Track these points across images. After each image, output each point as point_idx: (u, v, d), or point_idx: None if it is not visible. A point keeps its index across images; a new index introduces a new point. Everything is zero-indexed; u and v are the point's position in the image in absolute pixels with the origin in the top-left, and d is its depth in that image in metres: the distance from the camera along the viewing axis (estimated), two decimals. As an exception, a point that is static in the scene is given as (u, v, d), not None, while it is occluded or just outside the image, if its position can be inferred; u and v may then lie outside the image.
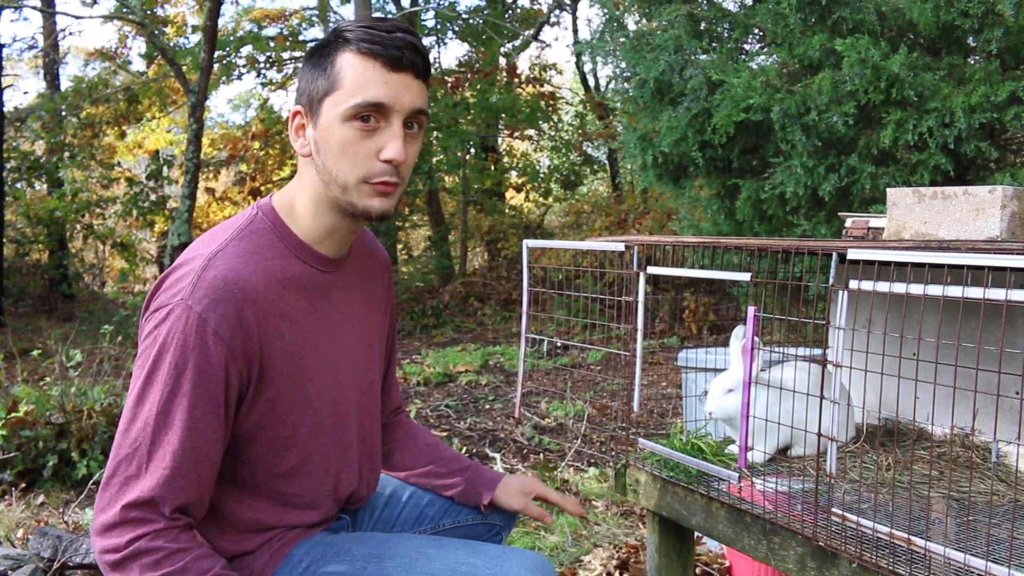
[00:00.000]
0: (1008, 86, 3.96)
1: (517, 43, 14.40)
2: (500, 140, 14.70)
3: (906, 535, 1.35)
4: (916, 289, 1.32)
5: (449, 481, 1.72)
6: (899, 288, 1.34)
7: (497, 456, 4.27)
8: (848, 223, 2.35)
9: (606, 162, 14.65)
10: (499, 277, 12.22)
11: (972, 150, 4.13)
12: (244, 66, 13.80)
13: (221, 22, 13.04)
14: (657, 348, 7.50)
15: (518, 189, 14.60)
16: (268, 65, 14.01)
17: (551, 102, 14.11)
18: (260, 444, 1.40)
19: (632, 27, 5.64)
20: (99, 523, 1.26)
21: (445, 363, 7.32)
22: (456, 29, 13.99)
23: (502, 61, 13.94)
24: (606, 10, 5.61)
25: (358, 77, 1.33)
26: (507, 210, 14.36)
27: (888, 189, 2.06)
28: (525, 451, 4.46)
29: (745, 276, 1.66)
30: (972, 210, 1.83)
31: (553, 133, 14.43)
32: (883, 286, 1.36)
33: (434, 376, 6.66)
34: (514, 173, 14.89)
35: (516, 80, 14.10)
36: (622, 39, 5.44)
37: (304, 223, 1.43)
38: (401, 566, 1.39)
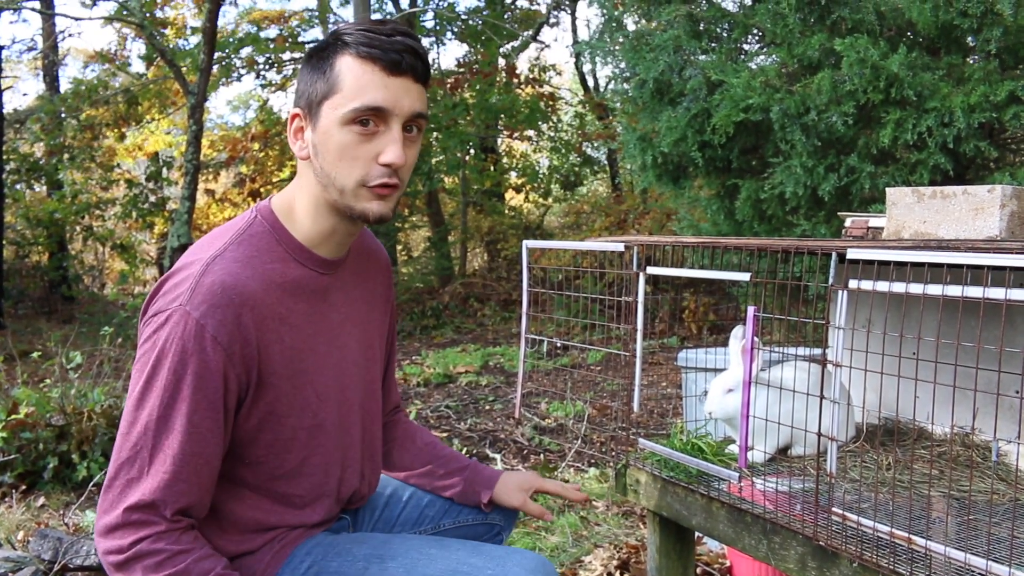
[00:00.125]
0: (1007, 85, 3.96)
1: (516, 44, 14.40)
2: (499, 141, 14.71)
3: (906, 534, 1.35)
4: (916, 288, 1.32)
5: (448, 482, 1.72)
6: (899, 288, 1.34)
7: (497, 457, 4.27)
8: (848, 223, 2.35)
9: (606, 162, 14.65)
10: (499, 278, 12.22)
11: (971, 149, 4.13)
12: (243, 67, 13.81)
13: (221, 24, 13.05)
14: (657, 348, 7.50)
15: (518, 190, 14.60)
16: (267, 66, 14.02)
17: (550, 103, 14.11)
18: (260, 446, 1.40)
19: (631, 27, 5.64)
20: (102, 525, 1.27)
21: (445, 364, 7.32)
22: (455, 30, 13.99)
23: (501, 62, 13.94)
24: (605, 10, 5.61)
25: (357, 81, 1.33)
26: (507, 211, 14.36)
27: (887, 189, 2.06)
28: (525, 452, 4.46)
29: (745, 276, 1.66)
30: (971, 209, 1.83)
31: (553, 134, 14.43)
32: (883, 286, 1.36)
33: (434, 377, 6.66)
34: (513, 174, 14.89)
35: (515, 81, 14.11)
36: (621, 39, 5.44)
37: (303, 226, 1.43)
38: (403, 566, 1.39)
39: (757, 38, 5.36)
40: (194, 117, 10.46)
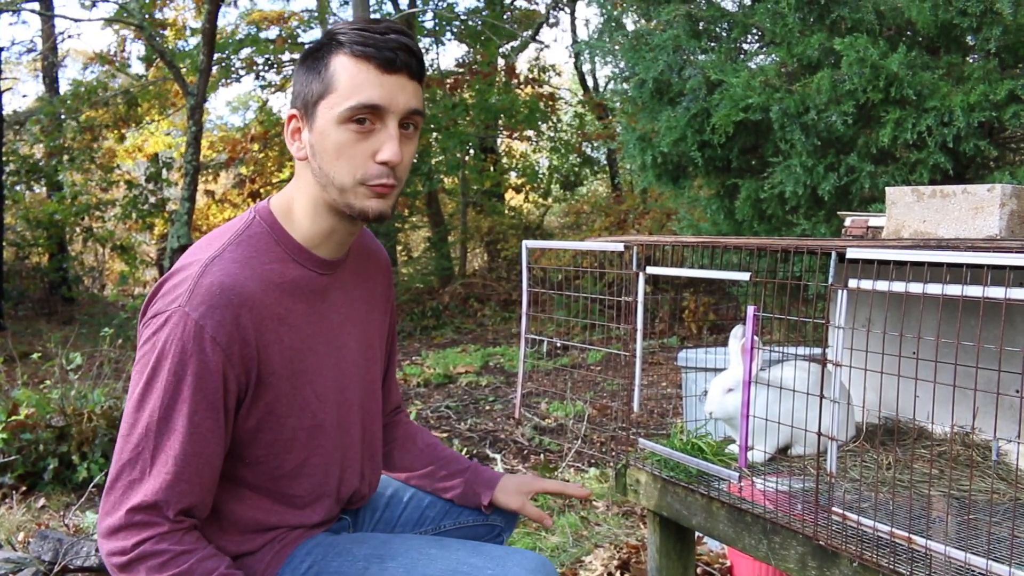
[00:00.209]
0: (1007, 84, 3.96)
1: (515, 44, 14.40)
2: (499, 141, 14.71)
3: (907, 534, 1.35)
4: (915, 288, 1.32)
5: (449, 483, 1.72)
6: (898, 287, 1.34)
7: (497, 457, 4.27)
8: (847, 222, 2.35)
9: (605, 162, 14.66)
10: (499, 278, 12.22)
11: (971, 149, 4.13)
12: (243, 68, 13.81)
13: (221, 24, 13.05)
14: (657, 348, 7.50)
15: (517, 190, 14.61)
16: (267, 67, 14.02)
17: (550, 103, 14.11)
18: (260, 446, 1.40)
19: (631, 27, 5.64)
20: (105, 526, 1.27)
21: (445, 364, 7.33)
22: (454, 30, 13.99)
23: (501, 62, 13.94)
24: (604, 10, 5.61)
25: (352, 79, 1.33)
26: (506, 211, 14.36)
27: (887, 188, 2.06)
28: (525, 452, 4.46)
29: (744, 276, 1.66)
30: (971, 208, 1.83)
31: (552, 134, 14.43)
32: (882, 285, 1.36)
33: (434, 377, 6.66)
34: (513, 174, 14.90)
35: (515, 81, 14.11)
36: (621, 39, 5.44)
37: (302, 226, 1.43)
38: (403, 567, 1.39)
39: (756, 38, 5.36)
40: (193, 118, 10.46)
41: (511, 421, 5.12)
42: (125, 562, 1.25)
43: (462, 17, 13.64)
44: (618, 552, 2.93)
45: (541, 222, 14.43)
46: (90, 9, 13.29)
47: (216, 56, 12.02)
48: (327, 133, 1.35)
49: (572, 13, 15.84)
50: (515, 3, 15.15)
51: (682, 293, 8.51)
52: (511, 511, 1.73)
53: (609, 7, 5.60)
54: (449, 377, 6.76)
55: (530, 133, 14.04)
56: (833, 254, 1.46)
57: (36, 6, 12.98)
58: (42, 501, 3.66)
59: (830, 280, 1.46)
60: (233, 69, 13.78)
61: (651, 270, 1.90)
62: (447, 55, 48.29)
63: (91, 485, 3.63)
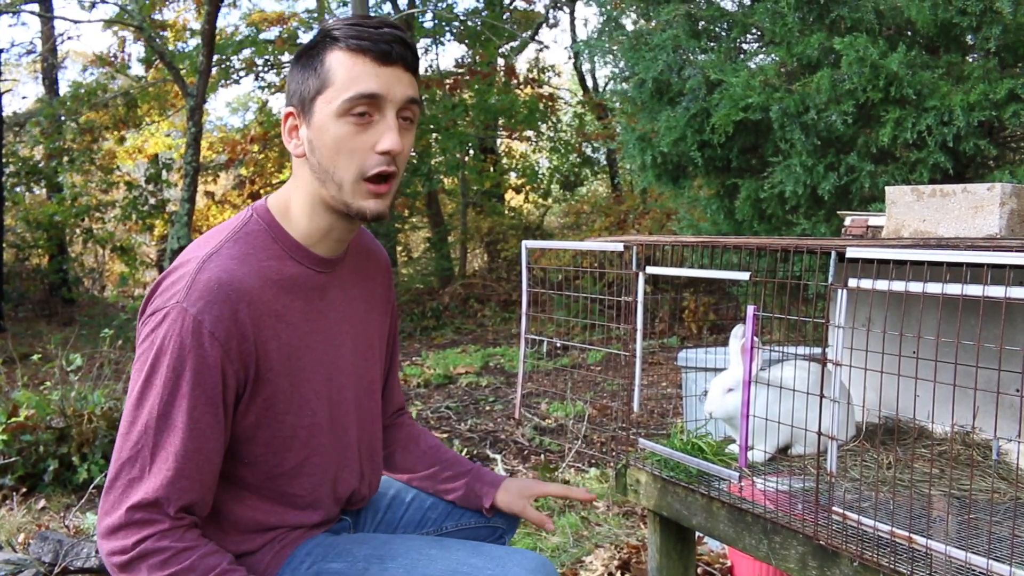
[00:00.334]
0: (1006, 84, 3.96)
1: (515, 44, 14.41)
2: (499, 142, 14.71)
3: (907, 533, 1.35)
4: (915, 287, 1.32)
5: (451, 485, 1.72)
6: (898, 286, 1.34)
7: (498, 457, 4.27)
8: (847, 221, 2.35)
9: (605, 163, 14.66)
10: (499, 278, 12.23)
11: (971, 148, 4.13)
12: (242, 69, 13.82)
13: (222, 25, 13.07)
14: (657, 348, 7.50)
15: (517, 190, 14.61)
16: (266, 69, 14.02)
17: (549, 103, 14.12)
18: (259, 444, 1.40)
19: (630, 27, 5.64)
20: (105, 525, 1.27)
21: (445, 365, 7.33)
22: (453, 31, 13.99)
23: (500, 62, 13.95)
24: (604, 10, 5.61)
25: (349, 73, 1.34)
26: (506, 211, 14.37)
27: (887, 187, 2.06)
28: (526, 452, 4.45)
29: (744, 275, 1.66)
30: (971, 208, 1.83)
31: (552, 134, 14.43)
32: (882, 284, 1.36)
33: (434, 378, 6.66)
34: (513, 174, 14.90)
35: (515, 81, 14.12)
36: (620, 39, 5.44)
37: (300, 224, 1.44)
38: (402, 567, 1.39)
39: (756, 37, 5.36)
40: (193, 119, 10.47)
41: (511, 421, 5.12)
42: (126, 561, 1.24)
43: (461, 18, 13.64)
44: (619, 552, 2.93)
45: (541, 222, 14.43)
46: (89, 10, 13.29)
47: (216, 57, 12.02)
48: (326, 127, 1.35)
49: (571, 13, 15.86)
50: (514, 3, 15.15)
51: (682, 293, 8.50)
52: (512, 514, 1.73)
53: (609, 7, 5.60)
54: (449, 377, 6.76)
55: (530, 133, 14.04)
56: (833, 253, 1.46)
57: (36, 8, 12.99)
58: (42, 502, 3.66)
59: (830, 279, 1.46)
60: (233, 70, 13.78)
61: (651, 270, 1.89)
62: (446, 56, 48.32)
63: (91, 486, 3.62)
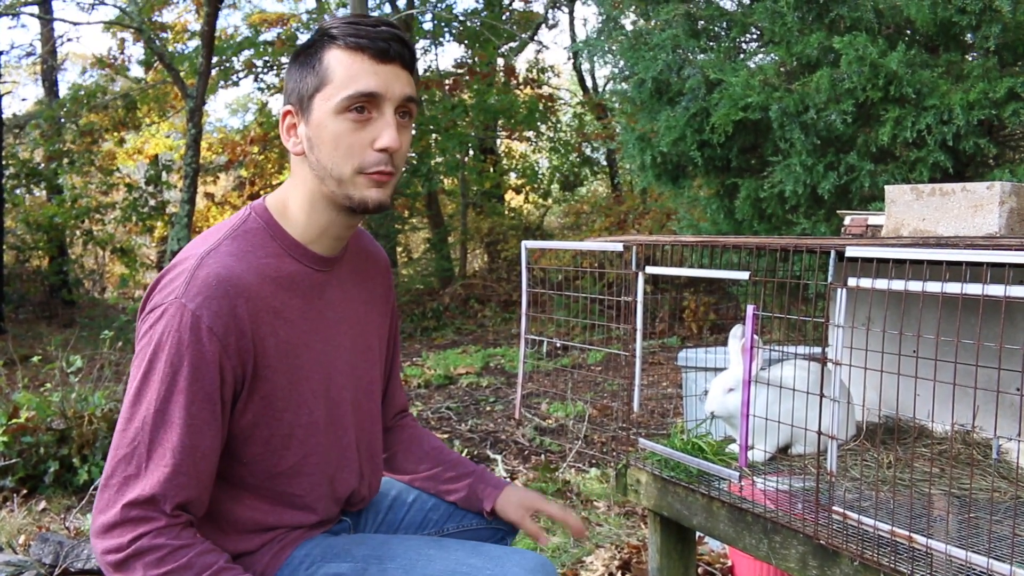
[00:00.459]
0: (1006, 82, 3.95)
1: (514, 45, 14.41)
2: (499, 142, 14.72)
3: (907, 533, 1.35)
4: (915, 286, 1.31)
5: (453, 486, 1.72)
6: (898, 285, 1.34)
7: (498, 458, 4.27)
8: (847, 221, 2.35)
9: (605, 163, 14.66)
10: (499, 279, 12.22)
11: (971, 147, 4.13)
12: (242, 70, 13.82)
13: (223, 26, 13.07)
14: (657, 348, 7.50)
15: (517, 191, 14.61)
16: (266, 70, 14.03)
17: (549, 103, 14.12)
18: (257, 443, 1.40)
19: (629, 27, 5.63)
20: (99, 524, 1.26)
21: (446, 365, 7.33)
22: (453, 31, 14.00)
23: (500, 62, 13.95)
24: (603, 10, 5.61)
25: (347, 70, 1.35)
26: (506, 212, 14.37)
27: (886, 187, 2.06)
28: (526, 452, 4.45)
29: (744, 275, 1.66)
30: (970, 206, 1.83)
31: (552, 134, 14.44)
32: (882, 283, 1.36)
33: (435, 378, 6.66)
34: (513, 175, 14.90)
35: (514, 82, 14.12)
36: (620, 38, 5.44)
37: (298, 222, 1.44)
38: (401, 567, 1.39)
39: (755, 37, 5.36)
40: (193, 120, 10.47)
41: (512, 422, 5.12)
42: (121, 559, 1.23)
43: (460, 18, 13.65)
44: (619, 552, 2.93)
45: (541, 223, 14.43)
46: (89, 12, 13.30)
47: (215, 59, 12.02)
48: (324, 124, 1.36)
49: (571, 13, 15.86)
50: (513, 4, 15.16)
51: (682, 293, 8.50)
52: (509, 523, 1.72)
53: (608, 7, 5.59)
54: (450, 378, 6.76)
55: (530, 134, 14.05)
56: (832, 253, 1.46)
57: (35, 10, 12.99)
58: (43, 504, 3.66)
59: (829, 279, 1.46)
60: (232, 72, 13.79)
61: (650, 270, 1.89)
62: (446, 56, 48.33)
63: (92, 488, 3.62)
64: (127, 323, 8.65)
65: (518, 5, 15.38)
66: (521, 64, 15.39)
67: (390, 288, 1.71)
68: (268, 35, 13.99)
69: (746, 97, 4.60)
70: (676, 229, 6.89)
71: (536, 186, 14.21)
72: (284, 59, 13.90)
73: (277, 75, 14.25)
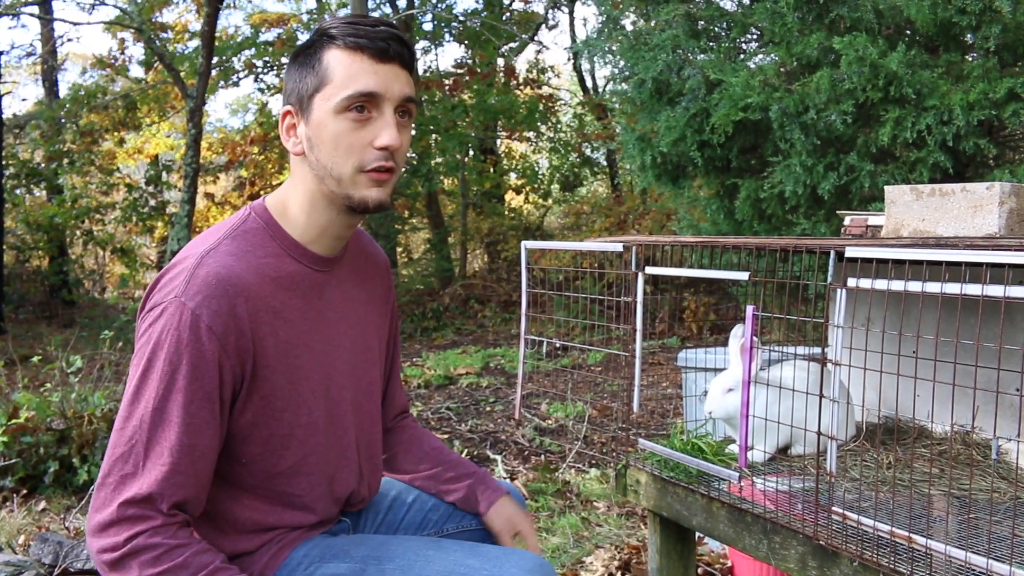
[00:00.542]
0: (1006, 83, 3.95)
1: (514, 45, 14.41)
2: (499, 142, 14.72)
3: (907, 533, 1.35)
4: (914, 286, 1.31)
5: (453, 486, 1.71)
6: (897, 286, 1.34)
7: (498, 458, 4.27)
8: (847, 221, 2.35)
9: (605, 163, 14.66)
10: (499, 279, 12.23)
11: (971, 147, 4.13)
12: (242, 70, 13.83)
13: (224, 27, 13.07)
14: (657, 348, 7.50)
15: (517, 191, 14.61)
16: (266, 70, 14.03)
17: (549, 104, 14.12)
18: (256, 443, 1.40)
19: (629, 27, 5.64)
20: (95, 522, 1.25)
21: (446, 365, 7.33)
22: (453, 32, 14.00)
23: (500, 62, 13.95)
24: (603, 10, 5.61)
25: (347, 70, 1.36)
26: (506, 212, 14.37)
27: (886, 187, 2.06)
28: (526, 453, 4.45)
29: (743, 275, 1.66)
30: (970, 207, 1.83)
31: (552, 135, 14.44)
32: (881, 284, 1.36)
33: (435, 378, 6.66)
34: (513, 175, 14.90)
35: (514, 82, 14.12)
36: (620, 39, 5.44)
37: (298, 222, 1.44)
38: (400, 568, 1.39)
39: (755, 37, 5.36)
40: (193, 120, 10.47)
41: (512, 422, 5.12)
42: (117, 558, 1.23)
43: (460, 19, 13.65)
44: (619, 553, 2.93)
45: (541, 223, 14.44)
46: (90, 12, 13.30)
47: (215, 59, 12.03)
48: (324, 124, 1.37)
49: (571, 13, 15.86)
50: (513, 4, 15.16)
51: (682, 293, 8.50)
52: (492, 532, 1.71)
53: (608, 7, 5.59)
54: (450, 378, 6.76)
55: (530, 134, 14.05)
56: (832, 253, 1.46)
57: (35, 10, 12.99)
58: (42, 504, 3.66)
59: (829, 279, 1.46)
60: (233, 71, 13.79)
61: (650, 270, 1.89)
62: (446, 56, 48.37)
63: (92, 488, 3.62)
64: (127, 323, 8.65)
65: (518, 5, 15.39)
66: (521, 64, 15.41)
67: (390, 288, 1.71)
68: (269, 35, 14.00)
69: (746, 97, 4.60)
70: (676, 229, 6.90)
71: (536, 186, 14.21)
72: (284, 59, 13.90)
73: (277, 75, 14.26)
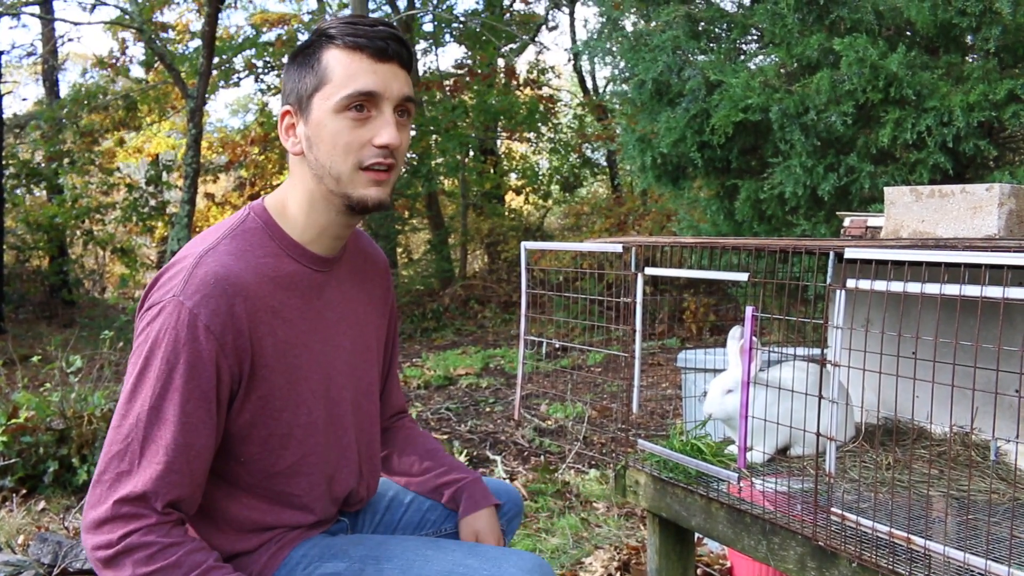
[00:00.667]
0: (1006, 84, 3.95)
1: (515, 46, 14.41)
2: (499, 143, 14.72)
3: (906, 534, 1.35)
4: (913, 287, 1.31)
5: (444, 489, 1.70)
6: (896, 287, 1.34)
7: (498, 459, 4.27)
8: (846, 222, 2.35)
9: (605, 164, 14.66)
10: (499, 280, 12.23)
11: (971, 148, 4.13)
12: (243, 71, 13.83)
13: (224, 27, 13.07)
14: (657, 349, 7.50)
15: (517, 192, 14.62)
16: (266, 70, 14.03)
17: (549, 104, 14.12)
18: (255, 442, 1.40)
19: (630, 28, 5.64)
20: (90, 519, 1.26)
21: (445, 366, 7.33)
22: (453, 33, 14.00)
23: (500, 63, 13.95)
24: (604, 11, 5.61)
25: (346, 69, 1.36)
26: (506, 213, 14.37)
27: (886, 188, 2.06)
28: (526, 453, 4.45)
29: (742, 276, 1.66)
30: (969, 208, 1.83)
31: (552, 135, 14.44)
32: (881, 285, 1.36)
33: (434, 379, 6.66)
34: (513, 176, 14.90)
35: (515, 83, 14.12)
36: (620, 40, 5.44)
37: (297, 222, 1.44)
38: (398, 568, 1.39)
39: (756, 38, 5.36)
40: (193, 120, 10.48)
41: (511, 423, 5.12)
42: (111, 555, 1.23)
43: (461, 19, 13.65)
44: (618, 553, 2.93)
45: (541, 224, 14.44)
46: (90, 12, 13.29)
47: (216, 59, 12.03)
48: (324, 123, 1.37)
49: (571, 14, 15.85)
50: (514, 5, 15.17)
51: (682, 294, 8.50)
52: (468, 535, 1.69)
53: (608, 8, 5.60)
54: (449, 379, 6.76)
55: (530, 135, 14.05)
56: (831, 254, 1.46)
57: (36, 10, 12.99)
58: (42, 504, 3.66)
59: (828, 280, 1.46)
60: (233, 71, 13.80)
61: (650, 271, 1.90)
62: (446, 57, 48.38)
63: (91, 488, 3.61)
64: (127, 323, 8.65)
65: (519, 6, 15.39)
66: (521, 65, 15.42)
67: (389, 289, 1.71)
68: (269, 35, 14.00)
69: (746, 98, 4.60)
70: (676, 230, 6.89)
71: (536, 187, 14.22)
72: (285, 59, 13.90)
73: (278, 75, 14.25)
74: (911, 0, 4.18)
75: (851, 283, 1.40)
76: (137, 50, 14.67)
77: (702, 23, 5.19)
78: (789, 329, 2.20)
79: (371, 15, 1.66)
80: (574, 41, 14.74)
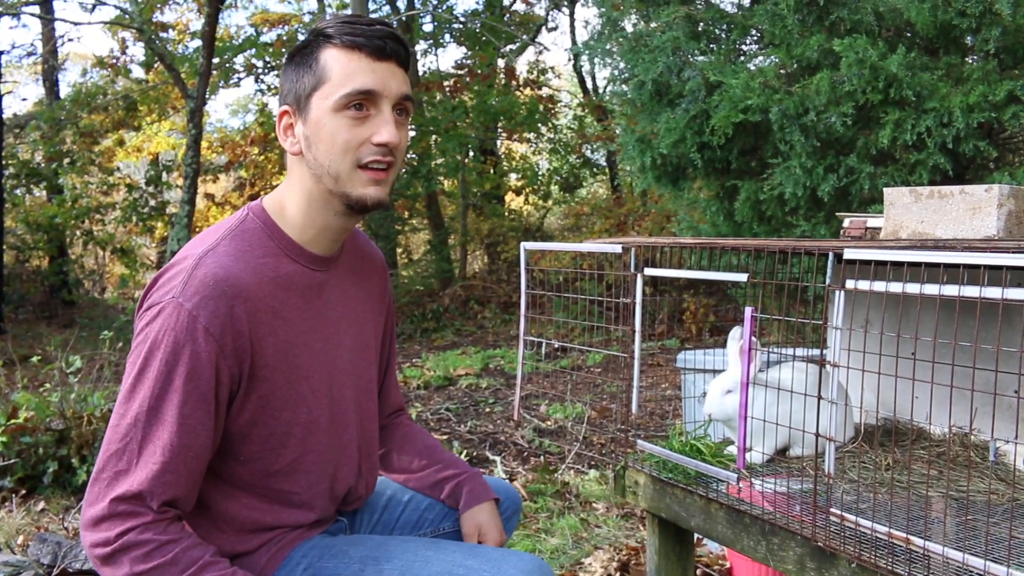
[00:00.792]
0: (1006, 85, 3.96)
1: (515, 46, 14.42)
2: (499, 143, 14.72)
3: (905, 535, 1.35)
4: (913, 288, 1.32)
5: (443, 484, 1.71)
6: (896, 287, 1.34)
7: (497, 459, 4.27)
8: (846, 223, 2.35)
9: (605, 164, 14.67)
10: (499, 280, 12.23)
11: (971, 149, 4.13)
12: (243, 71, 13.83)
13: (225, 27, 13.06)
14: (657, 350, 7.50)
15: (517, 192, 14.62)
16: (266, 71, 14.04)
17: (549, 105, 14.12)
18: (255, 442, 1.40)
19: (630, 29, 5.64)
20: (88, 517, 1.27)
21: (445, 366, 7.33)
22: (453, 33, 14.01)
23: (500, 63, 13.96)
24: (604, 11, 5.61)
25: (344, 68, 1.37)
26: (506, 213, 14.37)
27: (885, 189, 2.06)
28: (525, 454, 4.45)
29: (742, 277, 1.66)
30: (969, 209, 1.83)
31: (552, 136, 14.45)
32: (880, 285, 1.36)
33: (434, 379, 6.66)
34: (513, 176, 14.91)
35: (514, 83, 14.12)
36: (620, 40, 5.44)
37: (295, 222, 1.45)
38: (398, 568, 1.39)
39: (756, 39, 5.36)
40: (193, 121, 10.48)
41: (511, 423, 5.12)
42: (108, 553, 1.24)
43: (461, 20, 13.66)
44: (618, 554, 2.93)
45: (541, 224, 14.44)
46: (90, 12, 13.29)
47: (216, 59, 12.03)
48: (322, 123, 1.37)
49: (571, 15, 15.88)
50: (514, 6, 15.17)
51: (682, 295, 8.50)
52: (462, 532, 1.70)
53: (608, 9, 5.60)
54: (449, 379, 6.76)
55: (530, 135, 14.05)
56: (831, 255, 1.46)
57: (36, 9, 12.99)
58: (41, 504, 3.66)
59: (828, 281, 1.46)
60: (233, 72, 13.80)
61: (650, 271, 1.90)
62: (446, 57, 48.40)
63: (90, 488, 3.61)
64: (127, 323, 8.65)
65: (519, 7, 15.40)
66: (521, 66, 15.42)
67: (387, 288, 1.71)
68: (270, 36, 14.00)
69: (746, 99, 4.60)
70: (676, 231, 6.89)
71: (536, 188, 14.22)
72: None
73: (278, 76, 14.25)
74: (911, 1, 4.18)
75: (850, 284, 1.40)
76: (137, 50, 14.70)
77: (702, 24, 5.20)
78: (789, 330, 2.20)
79: (371, 15, 1.66)
80: (574, 42, 14.75)
